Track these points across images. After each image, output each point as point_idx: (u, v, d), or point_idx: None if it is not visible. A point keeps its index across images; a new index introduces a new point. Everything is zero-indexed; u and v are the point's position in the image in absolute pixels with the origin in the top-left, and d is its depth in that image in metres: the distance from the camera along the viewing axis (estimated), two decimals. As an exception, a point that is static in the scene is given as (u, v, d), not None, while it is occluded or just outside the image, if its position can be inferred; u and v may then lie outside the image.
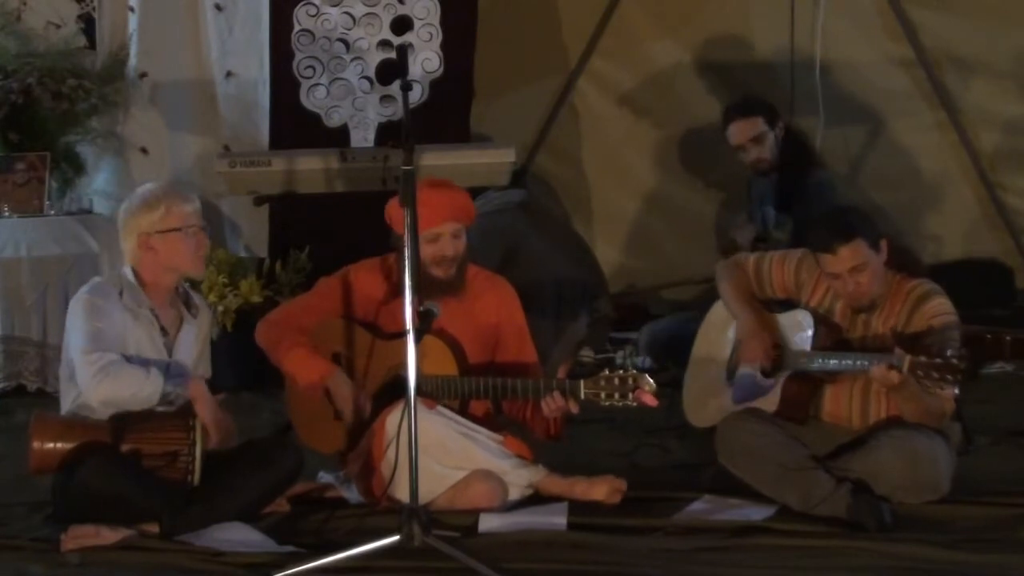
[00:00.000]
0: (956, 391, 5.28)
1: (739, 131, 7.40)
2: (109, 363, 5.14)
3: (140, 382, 5.16)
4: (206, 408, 5.20)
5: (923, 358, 5.10)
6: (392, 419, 5.19)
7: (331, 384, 5.52)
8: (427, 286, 5.26)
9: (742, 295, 5.67)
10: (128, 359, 5.20)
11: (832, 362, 5.37)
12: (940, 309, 5.40)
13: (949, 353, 5.11)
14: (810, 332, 5.45)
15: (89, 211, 8.04)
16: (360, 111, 7.96)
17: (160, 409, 5.21)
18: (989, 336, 7.58)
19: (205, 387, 5.28)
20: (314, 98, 7.95)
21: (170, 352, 5.34)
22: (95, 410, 5.22)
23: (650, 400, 5.19)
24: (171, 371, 5.25)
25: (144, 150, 8.28)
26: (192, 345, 5.41)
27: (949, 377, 5.09)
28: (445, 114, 7.95)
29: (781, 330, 5.55)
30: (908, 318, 5.43)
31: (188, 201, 5.36)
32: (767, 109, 7.42)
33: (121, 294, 5.31)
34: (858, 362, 5.29)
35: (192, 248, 5.33)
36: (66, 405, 5.30)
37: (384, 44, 7.96)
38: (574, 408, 5.32)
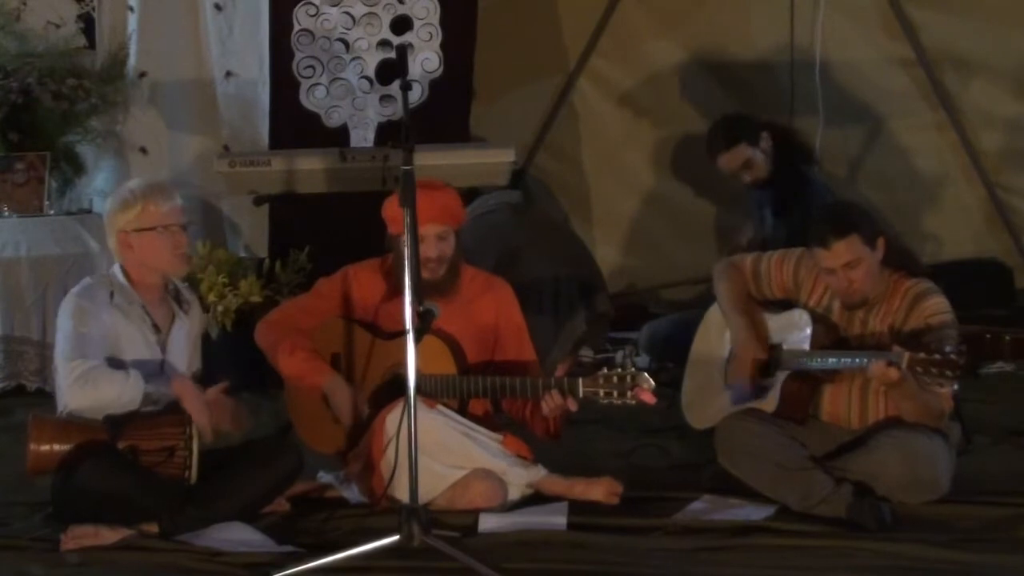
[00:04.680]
0: (955, 388, 5.29)
1: (727, 162, 7.34)
2: (89, 369, 5.12)
3: (120, 387, 5.14)
4: (193, 405, 5.17)
5: (922, 355, 5.10)
6: (392, 418, 5.19)
7: (328, 389, 5.52)
8: None
9: (737, 299, 5.65)
10: (117, 361, 5.19)
11: (831, 361, 5.36)
12: (937, 308, 5.40)
13: (947, 349, 5.11)
14: (808, 331, 5.45)
15: (89, 211, 8.02)
16: (360, 111, 7.96)
17: (146, 409, 5.20)
18: (989, 336, 7.57)
19: (190, 383, 5.26)
20: (314, 98, 7.95)
21: (163, 349, 5.33)
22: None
23: (648, 398, 5.18)
24: (152, 371, 5.22)
25: (144, 150, 8.28)
26: (185, 341, 5.40)
27: (948, 373, 5.08)
28: (445, 114, 7.95)
29: (778, 330, 5.54)
30: (906, 317, 5.43)
31: (165, 199, 5.30)
32: (747, 129, 7.30)
33: (112, 294, 5.30)
34: (856, 360, 5.29)
35: (169, 247, 5.29)
36: (60, 405, 5.29)
37: (384, 44, 7.96)
38: (573, 406, 5.31)
